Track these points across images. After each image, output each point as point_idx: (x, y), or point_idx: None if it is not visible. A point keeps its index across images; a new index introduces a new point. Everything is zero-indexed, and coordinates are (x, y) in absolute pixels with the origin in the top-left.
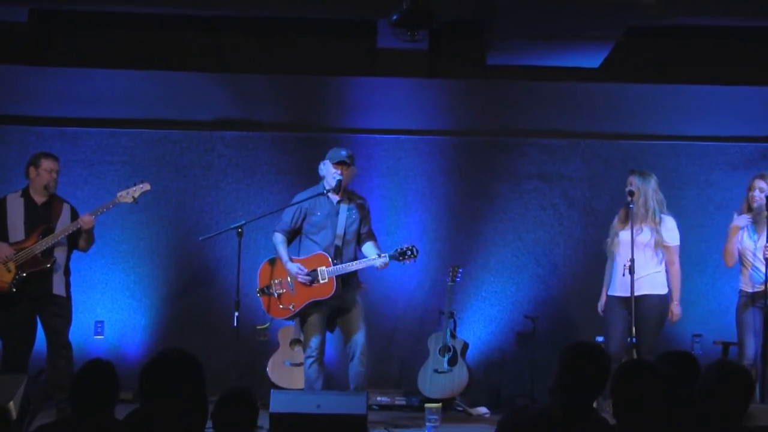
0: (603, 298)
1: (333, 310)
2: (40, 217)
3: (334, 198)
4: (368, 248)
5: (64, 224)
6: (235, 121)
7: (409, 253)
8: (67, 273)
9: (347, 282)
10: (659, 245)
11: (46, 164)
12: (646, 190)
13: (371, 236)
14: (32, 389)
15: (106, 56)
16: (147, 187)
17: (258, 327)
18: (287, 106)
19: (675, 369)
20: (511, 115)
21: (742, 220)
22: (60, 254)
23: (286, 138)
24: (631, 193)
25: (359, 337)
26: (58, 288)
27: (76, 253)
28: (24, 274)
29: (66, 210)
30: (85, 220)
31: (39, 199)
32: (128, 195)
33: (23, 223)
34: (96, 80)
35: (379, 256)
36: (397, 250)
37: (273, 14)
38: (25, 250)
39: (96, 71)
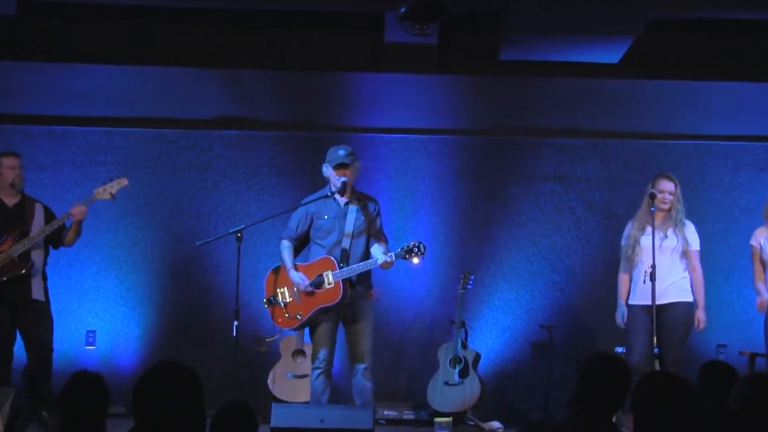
0: (621, 309)
1: (343, 318)
2: (13, 220)
3: (342, 200)
4: (376, 250)
5: (38, 225)
6: (234, 119)
7: (416, 250)
8: (44, 277)
9: (356, 288)
10: (685, 252)
11: (6, 161)
12: (679, 195)
13: (381, 238)
14: (20, 403)
15: (98, 51)
16: (124, 181)
17: (267, 339)
18: (289, 104)
19: (714, 381)
20: (526, 114)
21: (757, 238)
22: (37, 257)
23: (288, 137)
24: (653, 196)
25: (365, 350)
26: (37, 293)
27: (66, 259)
28: (4, 279)
29: (39, 210)
30: (78, 210)
31: (9, 200)
32: (105, 192)
33: None
34: (87, 76)
35: (385, 254)
36: (403, 248)
37: (275, 7)
38: (1, 255)
39: (87, 66)
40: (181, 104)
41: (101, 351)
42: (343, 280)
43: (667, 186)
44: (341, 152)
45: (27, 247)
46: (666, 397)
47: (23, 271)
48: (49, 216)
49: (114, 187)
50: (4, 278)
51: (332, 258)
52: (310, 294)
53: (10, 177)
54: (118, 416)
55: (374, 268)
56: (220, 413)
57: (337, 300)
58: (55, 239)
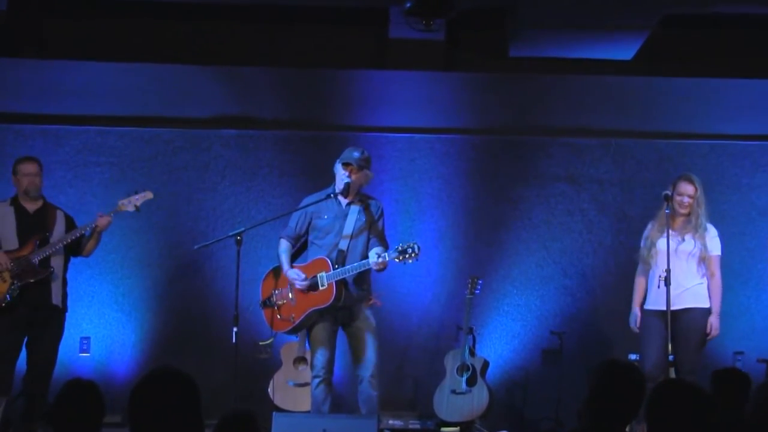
0: (635, 313)
1: (342, 323)
2: (34, 226)
3: (344, 200)
4: (372, 252)
5: (59, 232)
6: (233, 118)
7: (410, 251)
8: (64, 283)
9: (351, 290)
10: (704, 257)
11: (23, 168)
12: (703, 200)
13: (382, 243)
14: (12, 411)
15: (92, 47)
16: (149, 195)
17: (261, 342)
18: (291, 102)
19: (727, 389)
20: (536, 112)
21: None
22: (57, 263)
23: (289, 137)
24: (668, 198)
25: (369, 356)
26: (56, 298)
27: None
28: (20, 284)
29: (60, 217)
30: (103, 221)
31: (30, 206)
32: (130, 204)
33: (16, 233)
34: (81, 73)
35: (378, 255)
36: (396, 248)
37: (275, 1)
38: (21, 259)
39: (81, 64)
40: (178, 103)
41: (96, 358)
42: (336, 282)
43: (686, 189)
44: (355, 154)
45: (47, 253)
46: (681, 406)
47: (42, 277)
48: (70, 224)
49: (139, 200)
50: (23, 283)
51: (327, 259)
52: (304, 296)
53: (24, 184)
54: (114, 425)
55: (373, 272)
56: (222, 422)
57: (330, 302)
58: (74, 248)
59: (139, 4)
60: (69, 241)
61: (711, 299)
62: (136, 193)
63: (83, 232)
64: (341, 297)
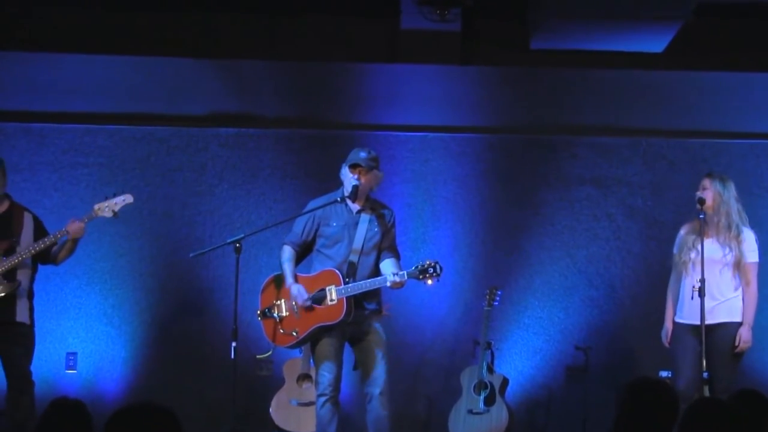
0: (668, 326)
1: (349, 338)
2: None
3: (354, 207)
4: (387, 266)
5: (27, 238)
6: (232, 115)
7: (431, 270)
8: (30, 297)
9: (363, 305)
10: (739, 265)
11: None
12: (729, 198)
13: (393, 253)
14: None
15: (80, 39)
16: (129, 199)
17: (258, 356)
18: (294, 99)
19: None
20: (559, 109)
21: None
22: (24, 275)
23: (292, 136)
24: (702, 201)
25: (379, 373)
26: (21, 315)
27: (42, 273)
28: None
29: (28, 221)
30: (75, 227)
31: None
32: (107, 209)
33: None
34: (68, 67)
35: (395, 274)
36: (416, 266)
37: None
38: None
39: (69, 56)
40: (172, 99)
41: (83, 375)
42: (347, 298)
43: (702, 183)
44: (362, 154)
45: (13, 262)
46: (716, 427)
47: (10, 291)
48: (39, 228)
49: (118, 204)
50: None
51: (337, 272)
52: (310, 310)
53: None
54: None
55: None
56: None
57: (339, 319)
58: (42, 255)
59: None
60: (37, 250)
61: (745, 309)
62: (115, 196)
63: (54, 240)
64: (351, 313)
